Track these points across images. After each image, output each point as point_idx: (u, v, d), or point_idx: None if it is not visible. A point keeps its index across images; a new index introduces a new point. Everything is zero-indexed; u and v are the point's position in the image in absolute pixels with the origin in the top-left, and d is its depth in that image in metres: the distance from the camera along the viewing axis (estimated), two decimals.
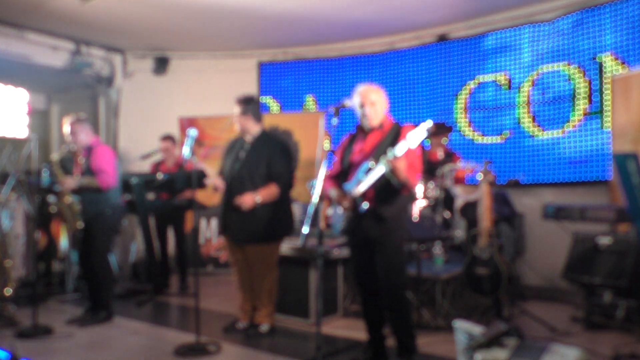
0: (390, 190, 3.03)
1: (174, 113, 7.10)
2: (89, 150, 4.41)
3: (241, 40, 6.92)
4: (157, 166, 5.85)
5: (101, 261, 4.41)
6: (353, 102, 3.25)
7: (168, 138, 5.82)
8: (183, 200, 5.55)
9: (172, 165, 5.77)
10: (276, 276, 4.04)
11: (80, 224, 4.36)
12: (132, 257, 6.55)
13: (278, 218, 3.94)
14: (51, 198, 4.45)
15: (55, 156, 4.46)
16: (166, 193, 5.57)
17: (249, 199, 3.80)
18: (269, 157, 3.90)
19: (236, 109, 3.98)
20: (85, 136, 4.43)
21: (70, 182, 4.30)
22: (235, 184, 3.90)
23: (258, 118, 4.04)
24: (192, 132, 3.71)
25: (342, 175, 3.28)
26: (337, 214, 3.26)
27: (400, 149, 2.86)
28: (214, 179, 3.96)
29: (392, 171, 2.86)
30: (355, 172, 3.12)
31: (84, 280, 4.74)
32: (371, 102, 3.17)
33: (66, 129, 4.43)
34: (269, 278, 3.98)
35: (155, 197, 5.56)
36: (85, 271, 4.62)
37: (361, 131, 3.28)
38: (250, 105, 3.99)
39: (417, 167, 3.11)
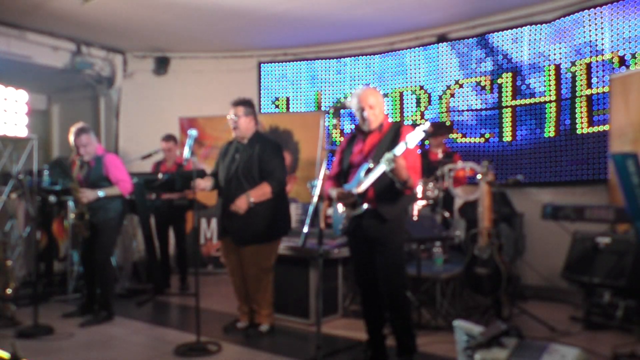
0: (391, 191, 3.04)
1: (174, 113, 7.11)
2: (98, 160, 4.46)
3: (241, 40, 6.93)
4: (158, 166, 5.87)
5: (105, 261, 4.45)
6: (352, 104, 3.25)
7: (170, 138, 5.84)
8: (183, 200, 5.57)
9: (172, 165, 5.79)
10: (271, 279, 4.04)
11: (87, 233, 4.43)
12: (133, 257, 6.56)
13: (276, 218, 3.95)
14: (52, 198, 4.47)
15: (74, 176, 4.49)
16: (168, 193, 5.59)
17: (243, 202, 3.80)
18: (261, 156, 3.90)
19: (239, 111, 3.95)
20: (94, 146, 4.49)
21: (91, 194, 4.35)
22: (232, 186, 3.90)
23: (256, 119, 4.08)
24: (193, 132, 3.72)
25: (342, 176, 3.29)
26: (337, 214, 3.27)
27: (399, 149, 2.86)
28: (199, 181, 3.90)
29: (393, 171, 2.86)
30: (355, 173, 3.13)
31: (86, 280, 4.76)
32: (370, 105, 3.16)
33: (75, 140, 4.42)
34: (264, 281, 3.98)
35: (157, 197, 5.58)
36: (88, 271, 4.64)
37: (360, 132, 3.29)
38: (252, 107, 4.03)
39: (418, 168, 3.12)
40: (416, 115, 6.57)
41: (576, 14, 5.42)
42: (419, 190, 4.80)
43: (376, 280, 3.20)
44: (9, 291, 4.40)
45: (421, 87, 6.57)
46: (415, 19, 6.09)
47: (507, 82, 5.92)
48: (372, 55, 6.86)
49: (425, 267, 4.39)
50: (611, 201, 4.83)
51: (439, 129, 5.49)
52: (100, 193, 4.36)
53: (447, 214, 5.05)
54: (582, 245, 4.32)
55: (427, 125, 2.91)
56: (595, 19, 5.30)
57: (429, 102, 6.51)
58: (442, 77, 6.40)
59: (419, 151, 3.28)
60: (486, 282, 4.01)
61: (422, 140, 3.00)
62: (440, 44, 6.36)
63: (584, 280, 4.20)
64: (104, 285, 4.48)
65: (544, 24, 5.65)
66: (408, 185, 2.96)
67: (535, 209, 4.89)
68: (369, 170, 3.01)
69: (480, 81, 6.11)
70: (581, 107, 5.45)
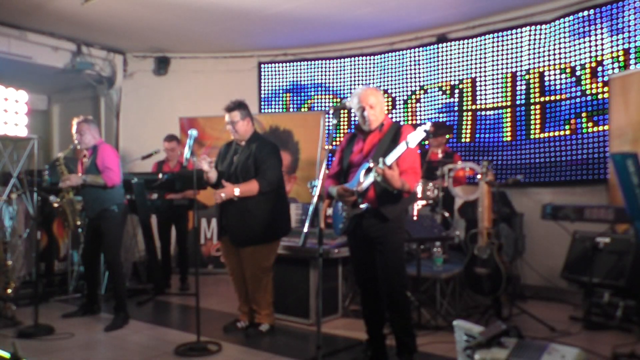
0: (392, 192, 3.03)
1: (175, 113, 7.12)
2: (94, 149, 4.44)
3: (241, 41, 6.94)
4: (160, 165, 5.89)
5: (114, 259, 4.41)
6: (352, 104, 3.24)
7: (173, 138, 5.88)
8: (184, 199, 5.58)
9: (176, 165, 5.82)
10: (271, 279, 4.04)
11: (78, 222, 4.41)
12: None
13: (274, 219, 3.95)
14: (52, 198, 4.48)
15: (61, 154, 4.51)
16: (169, 193, 5.61)
17: (228, 191, 3.78)
18: (257, 155, 3.90)
19: (235, 116, 3.92)
20: (92, 136, 4.45)
21: (74, 178, 4.34)
22: None
23: (252, 119, 4.07)
24: (193, 132, 3.72)
25: (341, 176, 3.29)
26: (337, 213, 3.27)
27: (390, 158, 2.85)
28: (209, 171, 3.88)
29: (384, 180, 2.86)
30: (355, 172, 3.13)
31: (86, 279, 4.77)
32: (370, 105, 3.15)
33: (73, 128, 4.44)
34: (263, 281, 3.98)
35: (159, 197, 5.60)
36: (88, 271, 4.65)
37: (360, 131, 3.29)
38: (247, 109, 4.01)
39: (417, 168, 3.11)
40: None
41: (575, 14, 5.44)
42: (419, 190, 4.81)
43: (376, 280, 3.20)
44: (9, 291, 4.40)
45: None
46: (415, 19, 6.09)
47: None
48: (372, 56, 6.87)
49: (425, 267, 4.39)
50: (611, 201, 4.84)
51: (439, 129, 5.50)
52: (84, 178, 4.32)
53: (447, 214, 5.05)
54: (581, 245, 4.32)
55: (428, 125, 2.91)
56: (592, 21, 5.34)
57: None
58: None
59: (419, 151, 3.27)
60: (486, 282, 4.02)
61: (423, 140, 2.99)
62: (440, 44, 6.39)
63: (583, 280, 4.21)
64: (116, 286, 4.41)
65: (544, 24, 5.66)
66: (404, 190, 2.96)
67: (535, 209, 4.90)
68: (369, 170, 3.01)
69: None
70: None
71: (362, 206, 3.08)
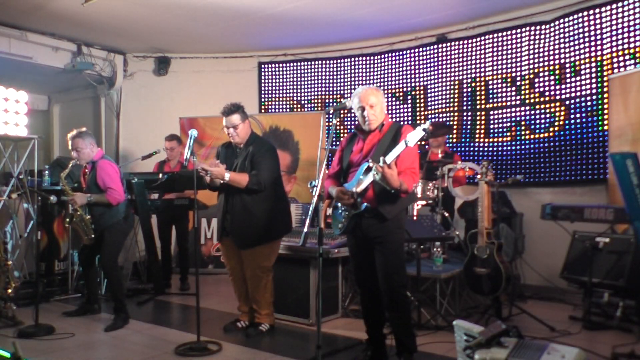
0: (390, 191, 3.03)
1: (175, 113, 7.12)
2: (93, 165, 4.41)
3: (241, 41, 6.94)
4: (161, 165, 5.90)
5: (111, 265, 4.39)
6: (352, 104, 3.24)
7: (174, 137, 5.88)
8: (183, 199, 5.59)
9: (176, 165, 5.82)
10: (271, 279, 4.05)
11: (92, 235, 4.40)
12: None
13: (275, 218, 3.95)
14: (53, 198, 4.47)
15: (62, 174, 4.49)
16: (169, 193, 5.62)
17: (219, 172, 3.73)
18: (253, 156, 3.90)
19: (235, 120, 3.89)
20: (89, 150, 4.39)
21: (79, 198, 4.33)
22: (232, 188, 3.90)
23: (249, 122, 4.07)
24: (193, 132, 3.72)
25: (341, 175, 3.30)
26: (337, 213, 3.27)
27: (390, 157, 2.85)
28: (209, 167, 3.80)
29: (383, 179, 2.86)
30: (355, 172, 3.14)
31: (85, 279, 4.77)
32: (371, 105, 3.14)
33: (69, 144, 4.40)
34: (264, 281, 3.99)
35: (159, 197, 5.60)
36: (87, 270, 4.66)
37: (360, 131, 3.29)
38: (244, 111, 4.00)
39: (416, 168, 3.11)
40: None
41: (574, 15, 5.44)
42: (419, 190, 4.81)
43: (376, 280, 3.20)
44: (9, 291, 4.40)
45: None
46: (415, 20, 6.10)
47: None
48: (372, 56, 6.87)
49: (425, 267, 4.40)
50: (611, 201, 4.84)
51: (439, 129, 5.50)
52: (89, 198, 4.32)
53: (447, 214, 5.06)
54: (581, 245, 4.33)
55: (427, 125, 2.92)
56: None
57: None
58: None
59: (418, 151, 3.27)
60: (486, 282, 4.02)
61: (422, 140, 2.99)
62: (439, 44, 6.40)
63: (583, 280, 4.21)
64: (113, 288, 4.42)
65: (544, 25, 5.67)
66: (402, 190, 2.96)
67: (535, 209, 4.90)
68: (368, 169, 3.01)
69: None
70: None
71: (362, 205, 3.08)
